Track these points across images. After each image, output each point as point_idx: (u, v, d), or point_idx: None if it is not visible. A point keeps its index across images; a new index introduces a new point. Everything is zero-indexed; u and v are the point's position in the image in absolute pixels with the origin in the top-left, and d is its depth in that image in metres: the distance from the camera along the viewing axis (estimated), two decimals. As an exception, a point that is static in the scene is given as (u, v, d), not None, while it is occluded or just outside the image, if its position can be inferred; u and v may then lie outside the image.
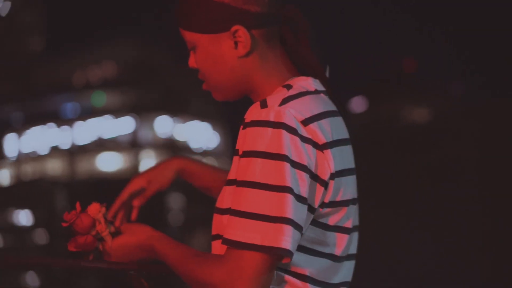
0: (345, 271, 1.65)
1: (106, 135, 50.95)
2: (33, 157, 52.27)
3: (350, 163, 1.62)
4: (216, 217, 1.59)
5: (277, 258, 1.48)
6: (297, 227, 1.49)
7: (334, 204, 1.57)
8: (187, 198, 49.25)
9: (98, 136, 50.98)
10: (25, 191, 50.58)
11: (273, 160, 1.48)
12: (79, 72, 52.21)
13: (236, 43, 1.61)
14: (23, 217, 51.08)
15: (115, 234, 1.68)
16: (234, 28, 1.60)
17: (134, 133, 50.50)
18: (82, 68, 52.15)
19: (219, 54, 1.62)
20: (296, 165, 1.49)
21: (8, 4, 57.24)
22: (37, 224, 50.18)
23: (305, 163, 1.50)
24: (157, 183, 2.08)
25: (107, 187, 47.06)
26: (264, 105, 1.53)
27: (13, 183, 52.36)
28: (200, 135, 52.36)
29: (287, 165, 1.48)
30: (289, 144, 1.49)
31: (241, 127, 1.55)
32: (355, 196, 1.64)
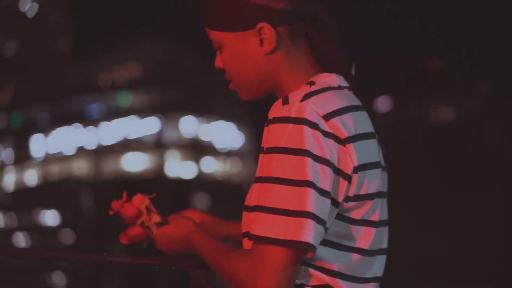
0: (377, 266, 1.65)
1: (132, 136, 51.13)
2: (60, 157, 52.58)
3: (375, 157, 1.62)
4: (245, 215, 1.62)
5: (300, 252, 1.50)
6: (319, 221, 1.50)
7: (358, 197, 1.57)
8: (212, 197, 49.32)
9: (124, 136, 51.16)
10: (51, 191, 50.91)
11: (295, 156, 1.50)
12: (105, 73, 52.43)
13: (261, 40, 1.62)
14: (50, 217, 51.42)
15: (161, 224, 1.74)
16: (259, 25, 1.61)
17: (159, 133, 50.63)
18: (108, 69, 52.36)
19: (245, 52, 1.64)
20: (318, 159, 1.50)
21: (36, 5, 57.66)
22: (63, 224, 50.50)
23: (327, 157, 1.52)
24: None
25: (132, 187, 47.24)
26: (286, 101, 1.54)
27: (39, 184, 52.73)
28: (224, 135, 52.38)
29: (309, 160, 1.50)
30: (311, 139, 1.51)
31: (265, 124, 1.56)
32: (382, 189, 1.63)
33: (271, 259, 1.49)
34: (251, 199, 1.59)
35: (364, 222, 1.59)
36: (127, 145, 50.92)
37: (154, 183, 47.08)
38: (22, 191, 52.65)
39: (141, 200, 1.74)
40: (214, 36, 1.67)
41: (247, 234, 1.60)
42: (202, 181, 50.13)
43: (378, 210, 1.62)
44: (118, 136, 51.15)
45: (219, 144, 52.06)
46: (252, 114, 54.16)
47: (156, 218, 1.74)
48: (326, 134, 1.52)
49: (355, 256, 1.59)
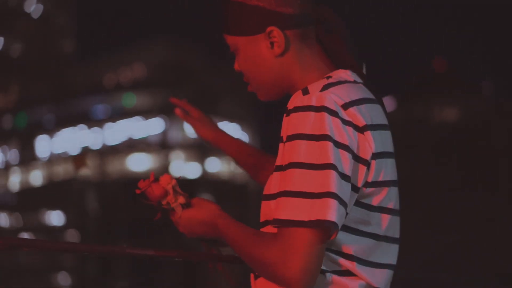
0: (392, 253, 1.70)
1: (136, 136, 51.16)
2: (65, 158, 52.64)
3: (390, 147, 1.68)
4: (264, 204, 1.66)
5: (325, 232, 1.54)
6: (342, 202, 1.55)
7: (376, 184, 1.63)
8: (217, 197, 49.33)
9: (129, 137, 51.18)
10: (56, 191, 50.96)
11: (317, 141, 1.55)
12: (110, 74, 52.46)
13: (272, 43, 1.70)
14: (55, 218, 51.47)
15: (185, 206, 1.75)
16: (268, 29, 1.69)
17: (164, 134, 50.65)
18: (113, 70, 52.39)
19: (258, 54, 1.71)
20: (338, 145, 1.56)
21: (41, 6, 57.73)
22: (68, 224, 50.53)
23: (347, 143, 1.58)
24: None
25: (137, 188, 47.09)
26: (306, 92, 1.61)
27: (45, 184, 52.79)
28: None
29: (330, 145, 1.56)
30: (331, 126, 1.57)
31: (284, 115, 1.62)
32: (395, 179, 1.70)
33: (298, 241, 1.53)
34: (270, 188, 1.65)
35: (381, 209, 1.65)
36: (132, 146, 50.95)
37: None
38: (27, 191, 52.72)
39: (168, 181, 1.76)
40: (229, 40, 1.76)
41: (266, 223, 1.65)
42: (207, 181, 50.14)
43: (393, 198, 1.68)
44: (123, 137, 51.18)
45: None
46: (256, 115, 54.15)
47: (182, 199, 1.75)
48: (345, 122, 1.58)
49: (372, 242, 1.65)
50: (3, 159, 54.40)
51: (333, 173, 1.54)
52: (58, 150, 53.18)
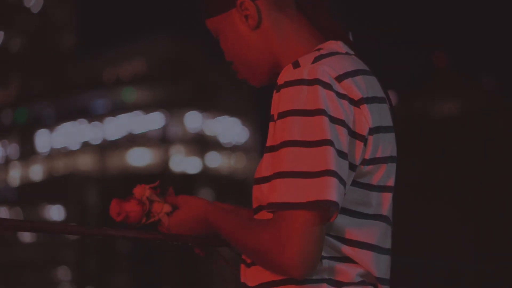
0: (390, 237, 1.60)
1: (137, 131, 51.10)
2: (65, 152, 52.60)
3: (388, 121, 1.58)
4: (256, 189, 1.55)
5: (324, 213, 1.43)
6: (341, 180, 1.44)
7: (374, 161, 1.52)
8: (217, 192, 49.29)
9: (129, 131, 51.13)
10: (56, 186, 50.93)
11: (311, 117, 1.45)
12: (110, 69, 52.39)
13: (246, 16, 1.61)
14: (55, 212, 51.45)
15: (170, 213, 1.63)
16: (239, 1, 1.61)
17: (164, 128, 50.59)
18: (113, 65, 52.32)
19: (235, 31, 1.63)
20: (334, 120, 1.46)
21: (40, 1, 57.65)
22: (68, 219, 50.51)
23: (343, 118, 1.47)
24: None
25: (137, 182, 47.10)
26: (296, 65, 1.50)
27: (45, 179, 52.76)
28: (229, 130, 52.33)
29: (326, 120, 1.45)
30: (325, 99, 1.46)
31: (274, 91, 1.51)
32: (394, 154, 1.60)
33: (296, 224, 1.41)
34: (261, 170, 1.53)
35: (381, 188, 1.55)
36: (132, 140, 50.90)
37: (159, 178, 46.89)
38: (27, 186, 52.70)
39: (141, 192, 1.63)
40: (209, 24, 1.68)
41: (260, 209, 1.54)
42: (207, 176, 50.11)
43: (391, 175, 1.57)
44: (123, 132, 51.12)
45: (224, 139, 52.03)
46: (257, 109, 54.09)
47: (166, 207, 1.63)
48: (340, 95, 1.48)
49: (374, 224, 1.54)
50: (3, 153, 54.37)
51: (330, 150, 1.43)
52: (58, 145, 53.13)
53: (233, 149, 52.11)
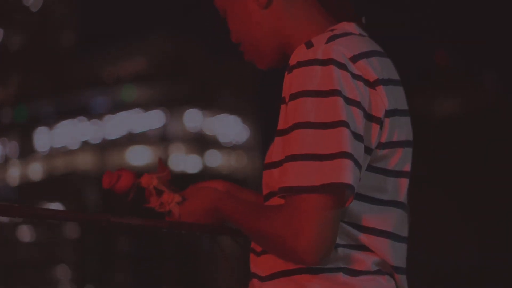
0: (407, 225, 1.54)
1: (136, 129, 51.15)
2: (64, 151, 52.61)
3: (403, 104, 1.53)
4: (266, 174, 1.50)
5: (340, 196, 1.37)
6: (357, 164, 1.39)
7: (390, 144, 1.47)
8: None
9: (128, 130, 51.18)
10: (56, 185, 50.93)
11: (326, 97, 1.39)
12: (110, 67, 52.44)
13: None
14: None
15: (181, 203, 1.58)
16: None
17: (164, 127, 50.63)
18: (113, 63, 52.36)
19: (244, 9, 1.58)
20: (349, 101, 1.40)
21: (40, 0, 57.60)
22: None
23: (359, 100, 1.42)
24: None
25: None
26: (309, 45, 1.45)
27: (44, 177, 52.75)
28: (229, 129, 52.32)
29: (341, 100, 1.39)
30: (340, 80, 1.40)
31: (286, 72, 1.46)
32: (410, 139, 1.54)
33: (309, 209, 1.36)
34: (272, 155, 1.48)
35: (398, 173, 1.49)
36: (131, 139, 50.96)
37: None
38: (26, 185, 52.69)
39: (148, 181, 1.59)
40: (217, 2, 1.63)
41: (271, 195, 1.49)
42: (207, 175, 50.07)
43: (408, 160, 1.52)
44: (123, 130, 51.17)
45: (224, 138, 52.03)
46: (257, 108, 54.16)
47: (177, 198, 1.58)
48: (355, 76, 1.43)
49: (391, 211, 1.48)
50: (2, 152, 54.34)
51: (346, 131, 1.38)
52: (58, 143, 53.12)
53: (234, 148, 52.13)
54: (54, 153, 53.03)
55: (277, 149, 1.46)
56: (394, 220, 1.49)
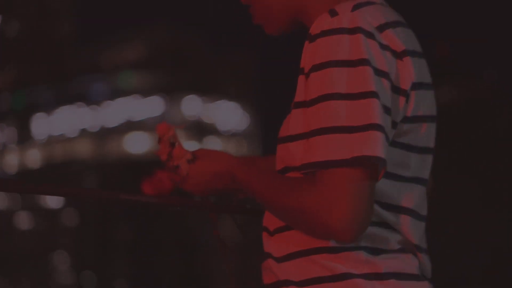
0: (426, 203, 1.49)
1: (135, 116, 51.16)
2: (63, 138, 52.60)
3: (428, 78, 1.47)
4: (281, 148, 1.43)
5: (372, 170, 1.32)
6: (387, 137, 1.34)
7: (415, 119, 1.42)
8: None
9: (127, 117, 51.21)
10: (54, 172, 50.90)
11: (354, 67, 1.34)
12: (109, 53, 52.39)
13: None
14: (53, 199, 51.34)
15: (191, 161, 1.49)
16: None
17: (163, 113, 50.62)
18: (112, 49, 52.32)
19: None
20: (378, 72, 1.36)
21: (38, -15, 57.45)
22: (66, 205, 50.48)
23: (387, 71, 1.37)
24: None
25: (136, 168, 47.17)
26: (333, 13, 1.39)
27: (42, 164, 52.73)
28: (229, 115, 52.29)
29: (370, 70, 1.34)
30: (369, 49, 1.36)
31: (306, 42, 1.40)
32: (434, 114, 1.49)
33: (342, 183, 1.31)
34: (289, 128, 1.42)
35: (421, 149, 1.45)
36: (130, 126, 51.00)
37: (157, 164, 47.19)
38: (25, 172, 52.65)
39: (164, 131, 1.50)
40: None
41: (286, 170, 1.42)
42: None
43: (431, 137, 1.48)
44: (122, 117, 51.17)
45: (223, 125, 52.02)
46: (256, 94, 54.22)
47: (188, 155, 1.48)
48: (383, 46, 1.39)
49: (413, 188, 1.43)
50: (0, 139, 54.30)
51: (376, 103, 1.32)
52: (57, 131, 53.08)
53: (233, 134, 52.14)
54: (52, 140, 52.99)
55: (295, 122, 1.40)
56: (415, 197, 1.44)
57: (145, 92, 50.52)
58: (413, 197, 1.44)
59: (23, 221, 50.54)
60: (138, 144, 50.72)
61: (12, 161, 53.59)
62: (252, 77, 53.04)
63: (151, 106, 50.81)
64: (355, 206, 1.31)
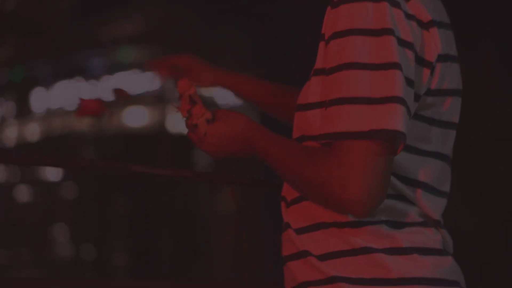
0: (449, 179, 1.47)
1: (133, 90, 50.98)
2: (61, 112, 52.44)
3: (454, 50, 1.44)
4: (299, 116, 1.41)
5: (390, 144, 1.29)
6: (408, 111, 1.31)
7: (440, 92, 1.39)
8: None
9: (126, 91, 51.11)
10: (53, 145, 50.79)
11: (378, 37, 1.30)
12: (107, 27, 52.05)
13: None
14: (52, 172, 51.25)
15: (211, 121, 1.47)
16: None
17: (161, 87, 50.47)
18: (110, 23, 51.96)
19: None
20: (402, 42, 1.32)
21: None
22: (65, 177, 50.41)
23: (412, 41, 1.33)
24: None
25: (134, 142, 47.09)
26: None
27: (41, 137, 52.61)
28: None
29: (394, 40, 1.30)
30: (394, 19, 1.31)
31: (328, 7, 1.35)
32: (460, 88, 1.45)
33: (357, 156, 1.28)
34: (307, 96, 1.39)
35: (444, 124, 1.42)
36: (129, 100, 50.95)
37: (156, 138, 47.10)
38: (24, 145, 52.61)
39: (185, 88, 1.47)
40: None
41: (303, 139, 1.40)
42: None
43: (456, 112, 1.45)
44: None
45: (221, 98, 51.90)
46: (256, 72, 54.06)
47: (208, 114, 1.46)
48: (409, 16, 1.35)
49: (434, 163, 1.41)
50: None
51: (399, 74, 1.29)
52: (55, 104, 52.89)
53: (231, 108, 52.15)
54: (51, 113, 52.86)
55: (314, 90, 1.37)
56: (434, 172, 1.41)
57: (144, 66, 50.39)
58: (431, 171, 1.41)
59: (23, 193, 50.65)
60: (136, 118, 50.60)
61: (11, 134, 53.52)
62: (251, 52, 52.89)
63: (149, 81, 50.67)
64: (370, 181, 1.28)
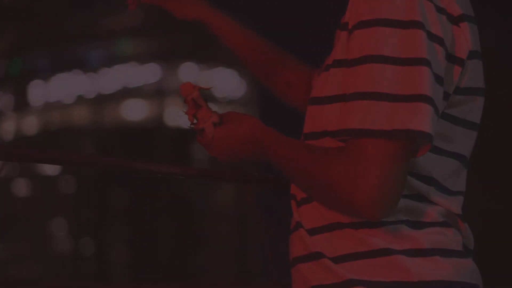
0: (464, 178, 1.39)
1: (132, 83, 50.97)
2: (59, 105, 52.45)
3: (479, 46, 1.35)
4: (313, 109, 1.31)
5: (412, 145, 1.20)
6: (436, 111, 1.22)
7: (469, 91, 1.31)
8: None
9: (124, 83, 51.04)
10: (51, 138, 50.83)
11: (406, 29, 1.21)
12: (105, 19, 52.02)
13: None
14: (50, 166, 51.30)
15: (218, 124, 1.38)
16: None
17: (160, 80, 50.47)
18: (108, 15, 51.94)
19: None
20: (432, 37, 1.23)
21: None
22: (64, 171, 50.49)
23: (442, 36, 1.24)
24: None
25: (132, 135, 47.15)
26: None
27: (39, 131, 52.64)
28: (226, 82, 52.11)
29: (423, 34, 1.21)
30: (424, 11, 1.22)
31: None
32: (484, 86, 1.37)
33: (374, 157, 1.18)
34: (324, 88, 1.29)
35: (467, 124, 1.33)
36: (127, 92, 50.84)
37: (154, 132, 47.13)
38: (21, 138, 52.58)
39: (188, 91, 1.41)
40: None
41: (318, 135, 1.30)
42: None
43: (480, 112, 1.36)
44: (118, 84, 51.00)
45: (220, 92, 51.85)
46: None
47: (215, 117, 1.37)
48: (439, 9, 1.26)
49: (454, 164, 1.32)
50: (-3, 106, 54.12)
51: (427, 71, 1.20)
52: (53, 97, 52.90)
53: (230, 102, 51.97)
54: (49, 106, 52.85)
55: (332, 82, 1.27)
56: (450, 173, 1.32)
57: (142, 59, 50.30)
58: (446, 172, 1.33)
59: (22, 187, 50.64)
60: (135, 110, 50.63)
61: (9, 127, 53.52)
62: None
63: (148, 73, 50.64)
64: (385, 183, 1.19)
